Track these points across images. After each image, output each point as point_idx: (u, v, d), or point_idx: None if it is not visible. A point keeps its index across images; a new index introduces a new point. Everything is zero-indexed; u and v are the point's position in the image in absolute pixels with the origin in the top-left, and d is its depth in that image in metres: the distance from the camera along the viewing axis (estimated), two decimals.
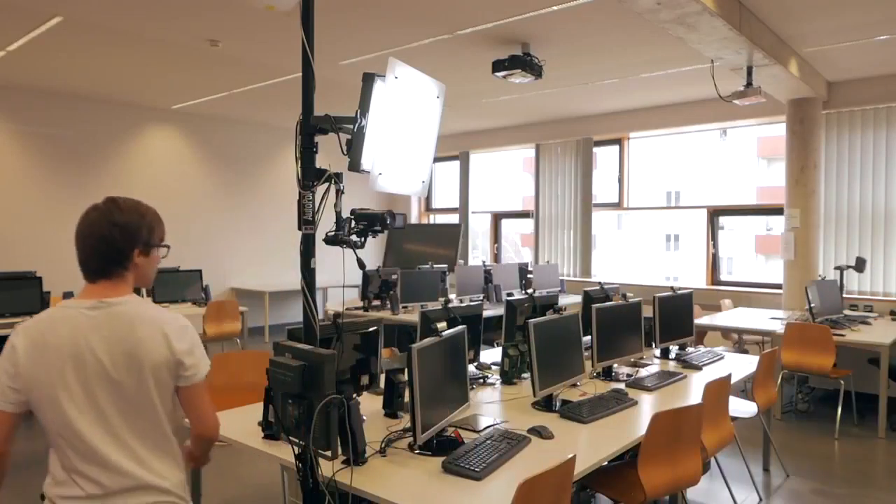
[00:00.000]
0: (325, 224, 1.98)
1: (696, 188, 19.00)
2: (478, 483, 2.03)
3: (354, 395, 2.37)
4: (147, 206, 1.79)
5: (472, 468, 2.08)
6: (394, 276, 6.17)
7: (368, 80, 1.98)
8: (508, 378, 3.38)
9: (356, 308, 6.25)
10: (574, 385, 3.24)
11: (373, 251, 10.43)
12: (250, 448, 2.37)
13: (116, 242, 1.67)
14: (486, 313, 4.23)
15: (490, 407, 2.94)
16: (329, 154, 2.25)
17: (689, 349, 4.23)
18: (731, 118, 7.55)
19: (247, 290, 9.19)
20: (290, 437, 1.85)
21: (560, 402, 2.91)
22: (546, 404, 2.88)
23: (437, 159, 8.25)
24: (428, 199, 11.43)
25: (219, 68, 6.46)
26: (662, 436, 2.57)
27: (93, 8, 4.70)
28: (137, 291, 1.80)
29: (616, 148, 8.87)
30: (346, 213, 2.11)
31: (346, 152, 1.97)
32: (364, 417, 2.53)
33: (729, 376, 3.15)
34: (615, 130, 8.68)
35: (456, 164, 10.60)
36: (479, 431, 2.52)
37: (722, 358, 4.08)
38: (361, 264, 2.10)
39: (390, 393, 2.71)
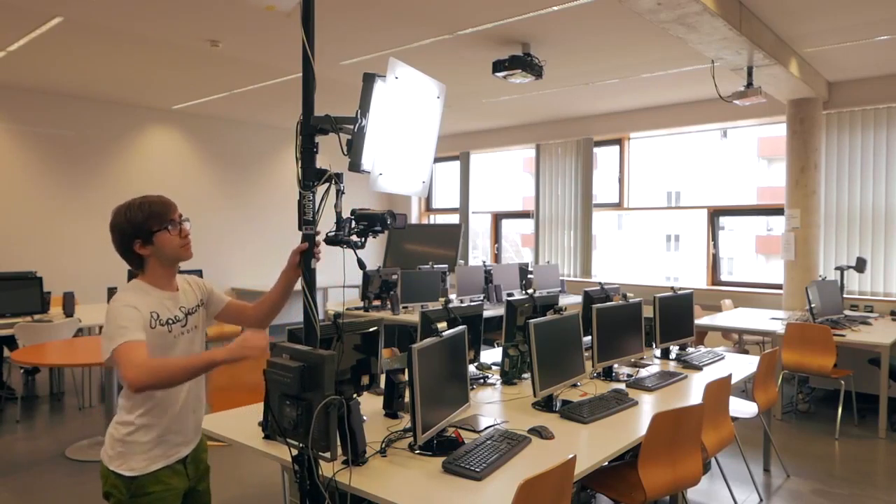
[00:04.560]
0: (326, 224, 1.98)
1: (697, 188, 19.01)
2: (478, 483, 2.03)
3: (355, 395, 2.37)
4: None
5: (472, 468, 2.08)
6: (394, 277, 6.17)
7: (369, 80, 1.98)
8: (509, 378, 3.38)
9: (356, 308, 6.24)
10: (574, 385, 3.24)
11: (373, 251, 10.42)
12: (250, 448, 2.37)
13: None
14: (487, 313, 4.23)
15: (490, 407, 2.93)
16: (329, 154, 2.25)
17: (690, 349, 4.23)
18: (731, 118, 7.55)
19: (247, 289, 9.17)
20: (287, 440, 1.84)
21: (560, 403, 2.91)
22: (546, 404, 2.87)
23: (437, 159, 8.25)
24: (428, 200, 11.43)
25: (219, 68, 6.46)
26: (663, 436, 2.57)
27: (93, 8, 4.69)
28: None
29: (616, 148, 8.87)
30: (346, 214, 2.11)
31: (346, 152, 1.96)
32: (364, 418, 2.53)
33: (729, 376, 3.15)
34: (615, 130, 8.67)
35: (456, 164, 10.60)
36: (479, 432, 2.52)
37: (722, 358, 4.08)
38: (362, 264, 2.10)
39: (390, 393, 2.70)
